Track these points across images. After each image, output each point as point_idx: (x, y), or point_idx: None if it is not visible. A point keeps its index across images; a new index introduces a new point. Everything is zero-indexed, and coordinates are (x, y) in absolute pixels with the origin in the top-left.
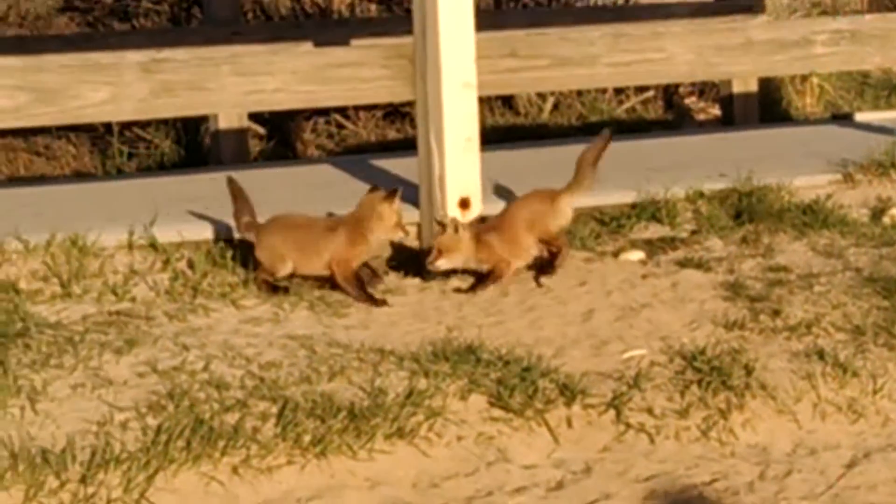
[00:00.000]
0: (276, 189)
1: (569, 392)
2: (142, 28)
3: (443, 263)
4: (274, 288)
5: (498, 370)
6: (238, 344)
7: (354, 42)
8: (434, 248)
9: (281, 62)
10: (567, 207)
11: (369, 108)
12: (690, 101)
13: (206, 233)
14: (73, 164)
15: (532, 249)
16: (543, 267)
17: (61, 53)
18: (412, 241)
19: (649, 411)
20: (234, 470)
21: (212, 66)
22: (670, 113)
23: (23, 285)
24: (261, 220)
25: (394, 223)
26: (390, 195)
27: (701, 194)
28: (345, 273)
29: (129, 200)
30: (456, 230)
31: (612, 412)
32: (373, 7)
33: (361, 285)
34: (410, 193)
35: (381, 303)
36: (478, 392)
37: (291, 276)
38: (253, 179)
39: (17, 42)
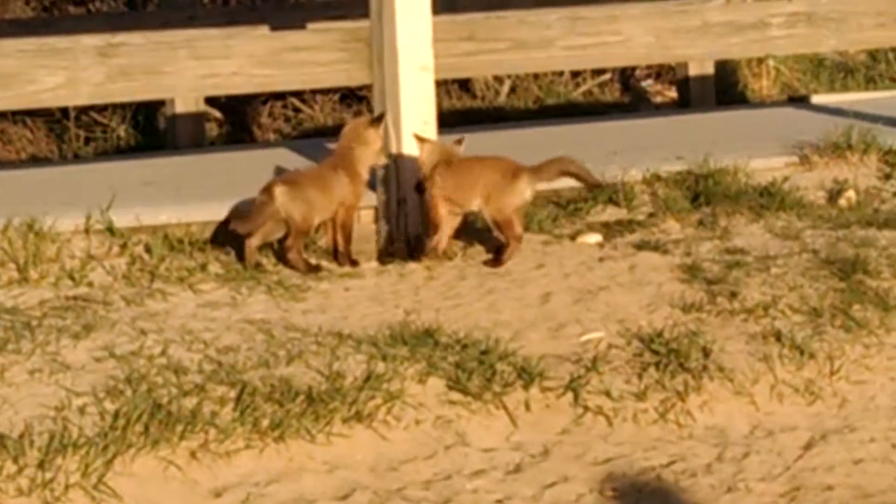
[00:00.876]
0: (233, 172)
1: (527, 375)
2: (98, 12)
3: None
4: (312, 267)
5: (456, 353)
6: (196, 328)
7: (311, 26)
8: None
9: (237, 46)
10: (526, 187)
11: (326, 91)
12: (647, 83)
13: (163, 217)
14: (29, 148)
15: (473, 206)
16: (493, 258)
17: (17, 38)
18: (370, 224)
19: (607, 394)
20: (193, 454)
21: (168, 50)
22: (627, 96)
23: None
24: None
25: (379, 148)
26: (376, 120)
27: (658, 177)
28: (347, 220)
29: (86, 185)
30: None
31: (569, 395)
32: None
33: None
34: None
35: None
36: (436, 375)
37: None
38: (210, 163)
39: None
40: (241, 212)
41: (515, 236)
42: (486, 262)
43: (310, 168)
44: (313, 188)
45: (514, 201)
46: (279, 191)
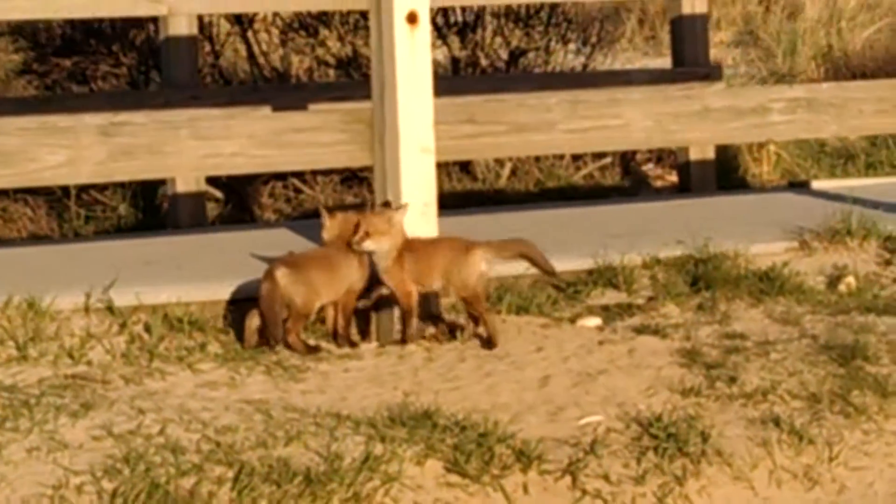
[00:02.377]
0: (233, 252)
1: (525, 458)
2: (100, 91)
3: (368, 245)
4: (311, 348)
5: (454, 435)
6: (194, 408)
7: (312, 107)
8: (361, 227)
9: (239, 126)
10: (481, 260)
11: (327, 172)
12: (648, 167)
13: (163, 296)
14: (29, 226)
15: (435, 286)
16: (484, 341)
17: (19, 115)
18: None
19: (605, 478)
20: None
21: (170, 129)
22: (628, 179)
23: None
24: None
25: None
26: (384, 205)
27: (658, 261)
28: (349, 302)
29: (86, 263)
30: (387, 214)
31: (568, 478)
32: (331, 72)
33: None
34: None
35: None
36: (434, 457)
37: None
38: (210, 243)
39: None
40: (264, 316)
41: (486, 309)
42: (482, 346)
43: (315, 249)
44: (318, 270)
45: (472, 274)
46: (280, 273)
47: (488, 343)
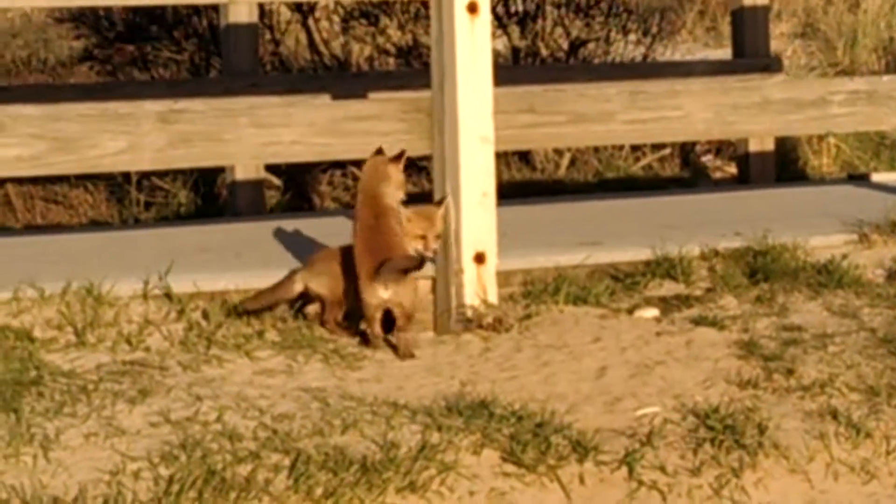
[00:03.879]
0: (292, 240)
1: (581, 448)
2: (160, 78)
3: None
4: (353, 331)
5: (511, 425)
6: (251, 395)
7: (372, 95)
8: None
9: (298, 114)
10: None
11: None
12: (707, 159)
13: (221, 283)
14: (90, 212)
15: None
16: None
17: (80, 102)
18: (428, 294)
19: (662, 469)
20: None
21: (229, 117)
22: (686, 171)
23: (37, 333)
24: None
25: (401, 183)
26: (396, 158)
27: (716, 252)
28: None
29: (145, 250)
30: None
31: (624, 469)
32: (391, 61)
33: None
34: None
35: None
36: (490, 447)
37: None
38: (269, 230)
39: (37, 90)
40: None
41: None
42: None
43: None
44: (336, 261)
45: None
46: (298, 277)
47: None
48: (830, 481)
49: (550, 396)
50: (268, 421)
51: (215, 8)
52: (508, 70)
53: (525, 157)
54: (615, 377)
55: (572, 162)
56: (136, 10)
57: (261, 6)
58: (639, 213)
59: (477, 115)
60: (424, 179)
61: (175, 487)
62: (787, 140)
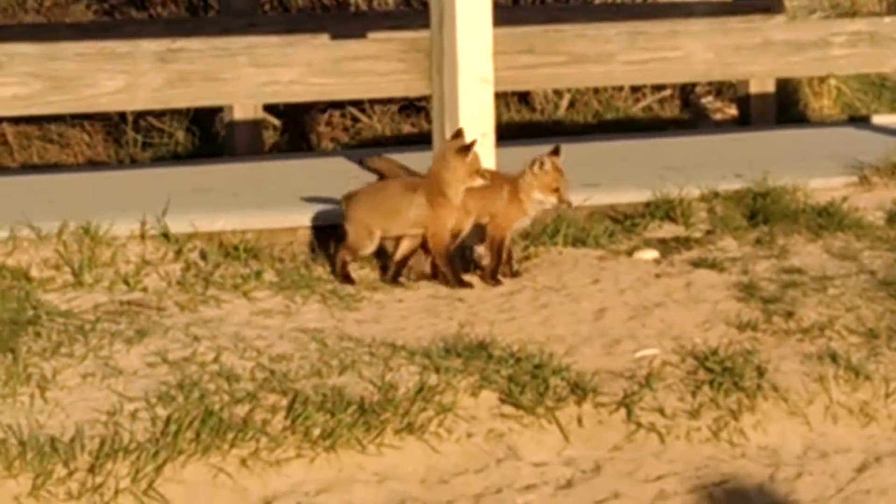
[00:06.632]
0: (290, 181)
1: (580, 390)
2: (158, 17)
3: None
4: (348, 277)
5: (509, 367)
6: (249, 336)
7: (371, 35)
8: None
9: (297, 54)
10: None
11: (385, 101)
12: (707, 100)
13: (218, 223)
14: (86, 152)
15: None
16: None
17: (77, 41)
18: None
19: (660, 411)
20: (243, 462)
21: (228, 56)
22: (687, 112)
23: (34, 273)
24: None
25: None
26: (465, 148)
27: (716, 194)
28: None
29: (142, 190)
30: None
31: (622, 411)
32: (390, 0)
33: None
34: None
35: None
36: (489, 389)
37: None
38: (267, 171)
39: (34, 29)
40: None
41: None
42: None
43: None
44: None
45: None
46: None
47: None
48: (829, 424)
49: (549, 338)
50: (265, 361)
51: None
52: (508, 10)
53: (524, 97)
54: (614, 319)
55: (571, 103)
56: None
57: None
58: (638, 155)
59: (476, 56)
60: (423, 120)
61: (172, 428)
62: (788, 82)
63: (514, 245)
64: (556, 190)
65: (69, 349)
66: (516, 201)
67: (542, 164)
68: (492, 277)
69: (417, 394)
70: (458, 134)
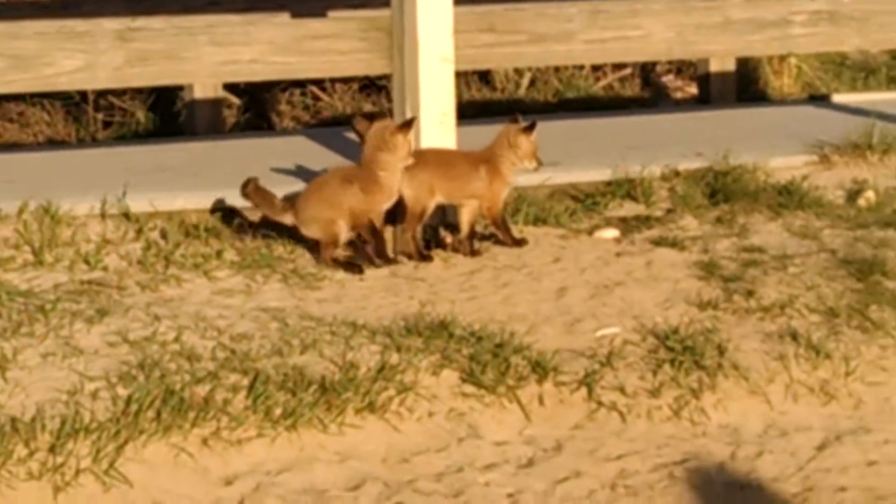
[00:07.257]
0: (250, 159)
1: (541, 369)
2: None
3: None
4: (350, 265)
5: (470, 346)
6: (210, 315)
7: (332, 14)
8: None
9: (257, 33)
10: None
11: (345, 80)
12: (668, 79)
13: (179, 202)
14: (46, 131)
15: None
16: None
17: (36, 20)
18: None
19: (621, 390)
20: (205, 442)
21: (188, 35)
22: (647, 91)
23: None
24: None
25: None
26: (405, 125)
27: (676, 173)
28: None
29: (102, 169)
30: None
31: (583, 390)
32: None
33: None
34: None
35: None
36: (450, 368)
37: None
38: (227, 150)
39: None
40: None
41: None
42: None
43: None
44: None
45: None
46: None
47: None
48: (790, 402)
49: (510, 317)
50: (226, 341)
51: None
52: None
53: (485, 76)
54: (575, 298)
55: (532, 82)
56: None
57: None
58: (599, 134)
59: (437, 34)
60: (384, 99)
61: (133, 407)
62: (749, 60)
63: (476, 224)
64: (534, 154)
65: (29, 329)
66: (498, 175)
67: (516, 136)
68: (516, 244)
69: (379, 373)
70: (412, 122)
